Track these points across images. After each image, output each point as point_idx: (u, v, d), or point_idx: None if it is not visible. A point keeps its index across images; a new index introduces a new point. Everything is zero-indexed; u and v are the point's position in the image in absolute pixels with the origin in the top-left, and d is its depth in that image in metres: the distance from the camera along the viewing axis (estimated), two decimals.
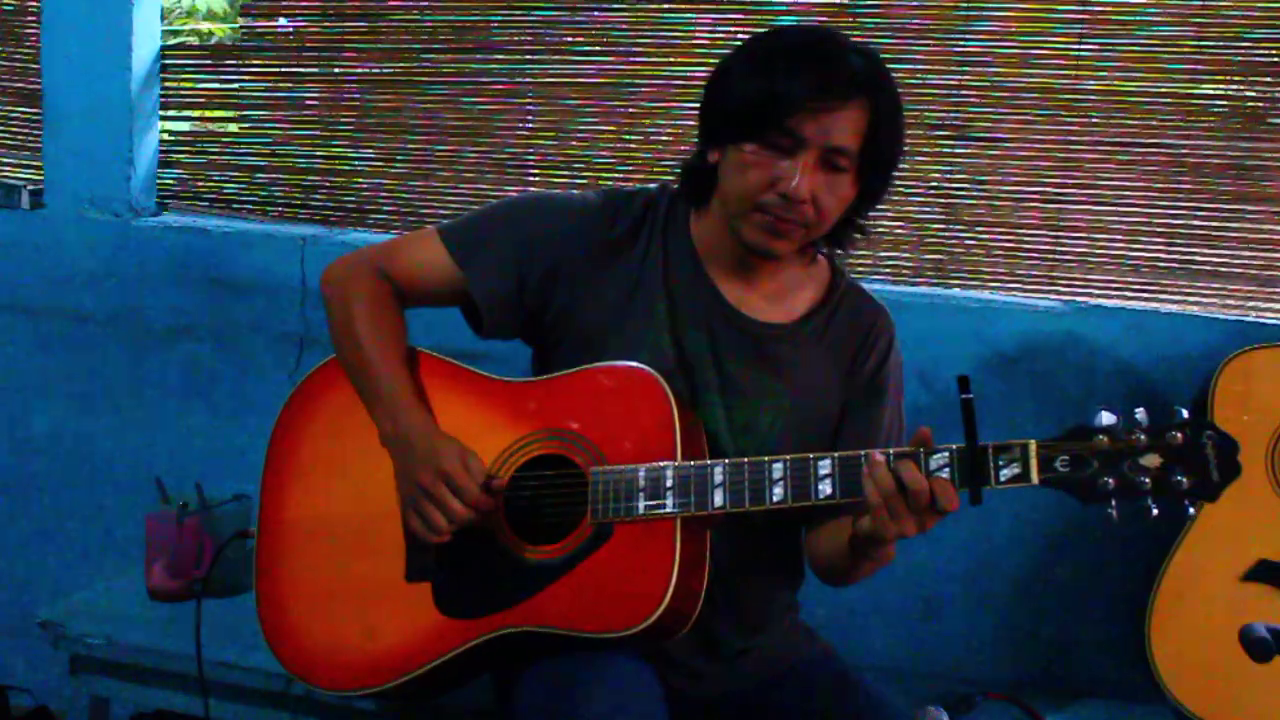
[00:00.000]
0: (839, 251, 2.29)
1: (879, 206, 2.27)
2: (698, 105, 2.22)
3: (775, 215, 2.10)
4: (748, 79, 2.09)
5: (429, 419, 2.21)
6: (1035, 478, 1.93)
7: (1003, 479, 1.94)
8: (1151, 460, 1.90)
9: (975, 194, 3.21)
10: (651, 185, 2.33)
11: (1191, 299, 3.11)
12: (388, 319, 2.29)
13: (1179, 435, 1.89)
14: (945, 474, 1.96)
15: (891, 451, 1.99)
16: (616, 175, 3.45)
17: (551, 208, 2.29)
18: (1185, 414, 1.90)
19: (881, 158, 2.12)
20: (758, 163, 2.08)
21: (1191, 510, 1.91)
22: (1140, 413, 1.92)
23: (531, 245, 2.25)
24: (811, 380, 2.25)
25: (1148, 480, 1.89)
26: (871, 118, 2.09)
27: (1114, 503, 1.91)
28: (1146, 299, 3.12)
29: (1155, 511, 1.90)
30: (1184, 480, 1.88)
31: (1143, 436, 1.90)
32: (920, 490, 1.93)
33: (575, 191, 2.39)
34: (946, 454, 1.97)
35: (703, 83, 2.22)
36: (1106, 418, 1.92)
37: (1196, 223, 3.10)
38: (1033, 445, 1.94)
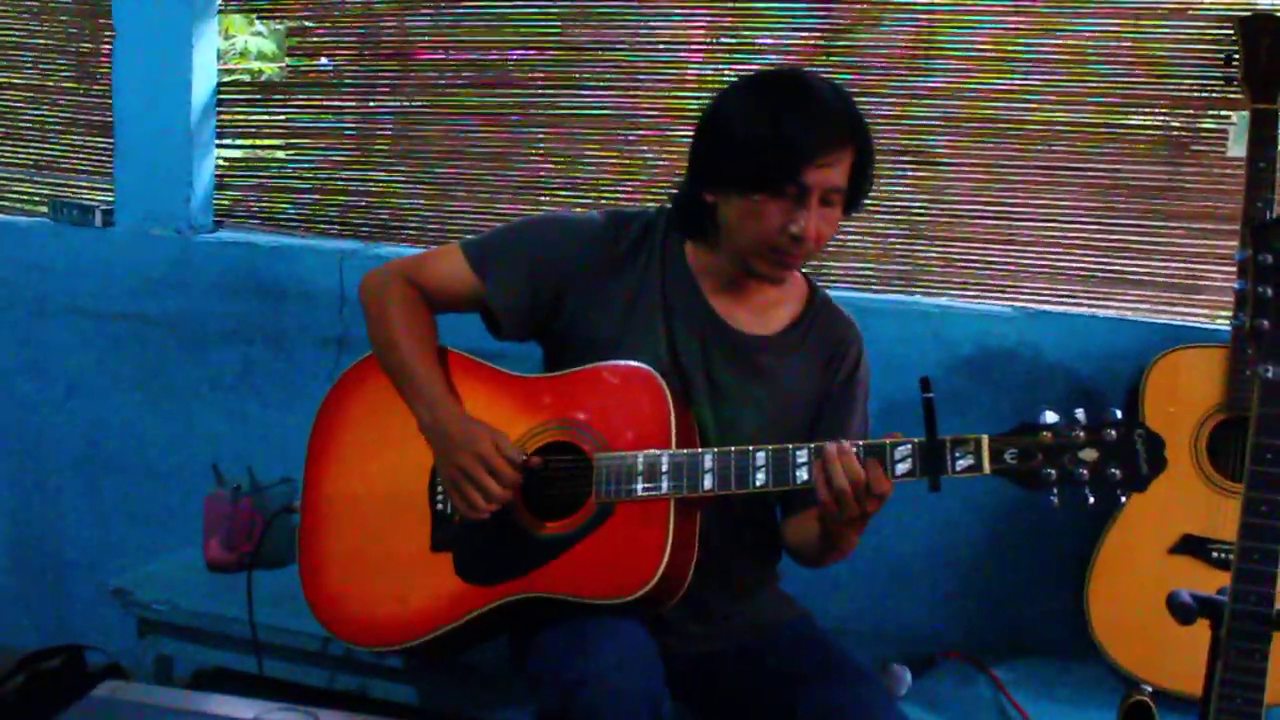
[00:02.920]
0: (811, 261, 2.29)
1: (850, 222, 2.27)
2: (691, 134, 2.20)
3: (784, 252, 2.10)
4: (752, 133, 2.05)
5: (462, 409, 2.21)
6: (987, 468, 1.93)
7: (959, 469, 1.94)
8: (1089, 454, 1.90)
9: (934, 212, 3.20)
10: (650, 208, 2.32)
11: (1125, 305, 3.10)
12: (419, 321, 2.29)
13: (1113, 432, 1.89)
14: (908, 464, 1.96)
15: (861, 444, 1.99)
16: (619, 195, 3.45)
17: (562, 227, 2.29)
18: (1119, 414, 1.91)
19: (863, 185, 2.13)
20: (767, 211, 2.07)
21: (1124, 499, 1.91)
22: (1080, 412, 1.92)
23: (544, 261, 2.25)
24: (790, 386, 2.25)
25: (1085, 472, 1.90)
26: (857, 156, 2.09)
27: (1055, 491, 1.91)
28: (1086, 305, 3.12)
29: (1092, 500, 1.90)
30: (1117, 473, 1.89)
31: (1081, 433, 1.91)
32: (857, 479, 1.95)
33: (582, 212, 2.39)
34: (909, 446, 1.97)
35: (695, 114, 2.20)
36: (1050, 416, 1.92)
37: (1128, 238, 3.10)
38: (985, 440, 1.94)
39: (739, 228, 2.11)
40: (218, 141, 3.73)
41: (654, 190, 3.38)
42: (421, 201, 3.61)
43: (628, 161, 3.44)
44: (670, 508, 2.07)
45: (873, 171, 2.15)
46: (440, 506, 2.23)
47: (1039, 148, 3.12)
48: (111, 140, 3.71)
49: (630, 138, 3.42)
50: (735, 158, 2.08)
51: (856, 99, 2.16)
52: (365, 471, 2.31)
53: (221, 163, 3.76)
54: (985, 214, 3.17)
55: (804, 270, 2.34)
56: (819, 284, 2.35)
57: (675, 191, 2.26)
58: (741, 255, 2.14)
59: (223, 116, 3.72)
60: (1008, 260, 3.17)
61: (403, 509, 2.25)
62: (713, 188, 2.14)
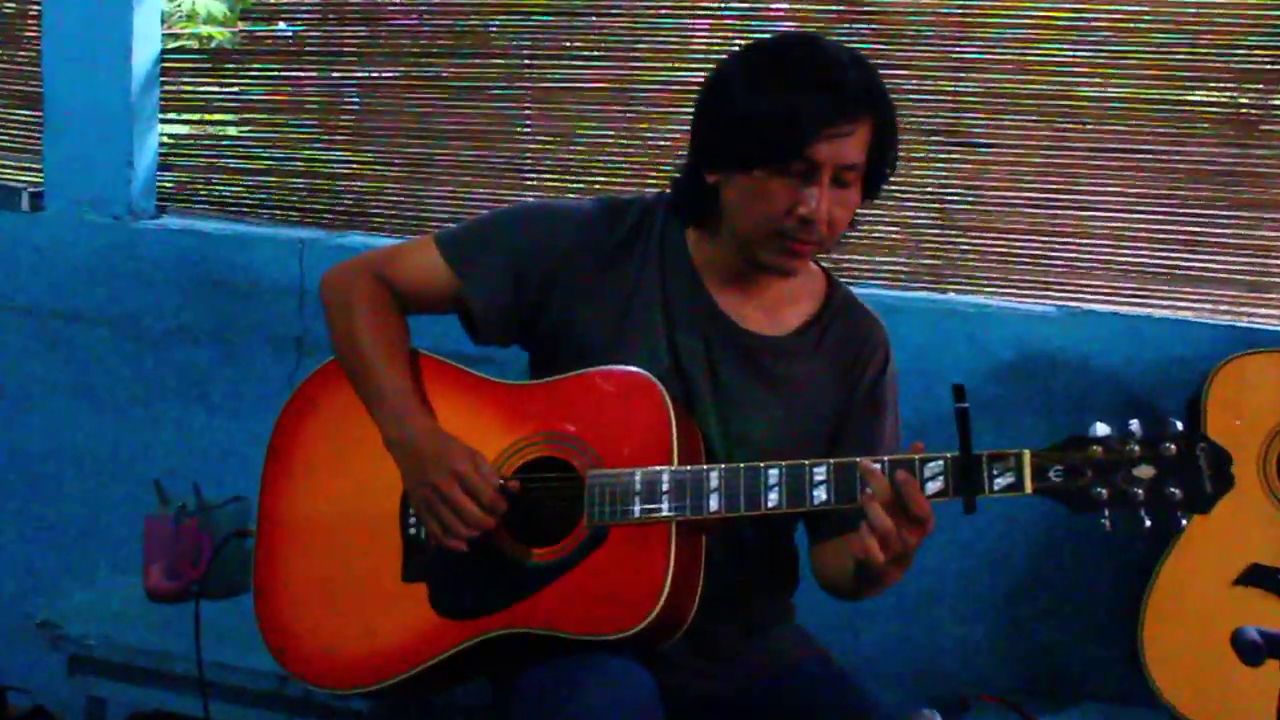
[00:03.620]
0: (831, 254, 2.30)
1: (875, 210, 2.28)
2: (694, 107, 2.21)
3: (792, 238, 2.10)
4: (754, 103, 2.06)
5: (434, 422, 2.21)
6: (1029, 487, 1.93)
7: (997, 488, 1.94)
8: (1145, 471, 1.90)
9: (970, 198, 3.21)
10: (647, 194, 2.33)
11: (1185, 304, 3.11)
12: (389, 322, 2.29)
13: (1173, 447, 1.89)
14: (939, 482, 1.96)
15: (886, 460, 1.99)
16: (615, 181, 3.45)
17: (549, 216, 2.29)
18: (1179, 426, 1.90)
19: (883, 164, 2.13)
20: (773, 190, 2.07)
21: (1184, 522, 1.91)
22: (1134, 424, 1.92)
23: (528, 254, 2.25)
24: (805, 393, 2.25)
25: (1141, 491, 1.90)
26: (876, 128, 2.09)
27: (1106, 513, 1.91)
28: (1141, 304, 3.12)
29: (1148, 524, 1.90)
30: (1177, 492, 1.89)
31: (1137, 448, 1.90)
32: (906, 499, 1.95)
33: (572, 199, 2.40)
34: (941, 462, 1.97)
35: (700, 86, 2.20)
36: (1101, 429, 1.92)
37: (1189, 228, 3.10)
38: (1027, 455, 1.94)
39: (741, 210, 2.12)
40: (161, 116, 3.73)
41: (654, 174, 3.38)
42: (392, 185, 3.61)
43: (625, 142, 3.44)
44: (672, 532, 2.07)
45: (896, 148, 2.14)
46: (413, 531, 2.23)
47: (1089, 127, 3.13)
48: (39, 114, 3.71)
49: (628, 115, 3.43)
50: (735, 130, 2.08)
51: (883, 71, 2.16)
52: (328, 491, 2.30)
53: (166, 140, 3.76)
54: (1027, 201, 3.18)
55: (822, 264, 2.34)
56: (839, 279, 2.35)
57: (677, 175, 2.26)
58: (745, 243, 2.15)
59: (167, 88, 3.73)
60: (1052, 253, 3.18)
61: (371, 533, 2.25)
62: (714, 167, 2.15)
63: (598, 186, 3.46)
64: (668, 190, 2.30)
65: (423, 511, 2.17)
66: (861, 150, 2.08)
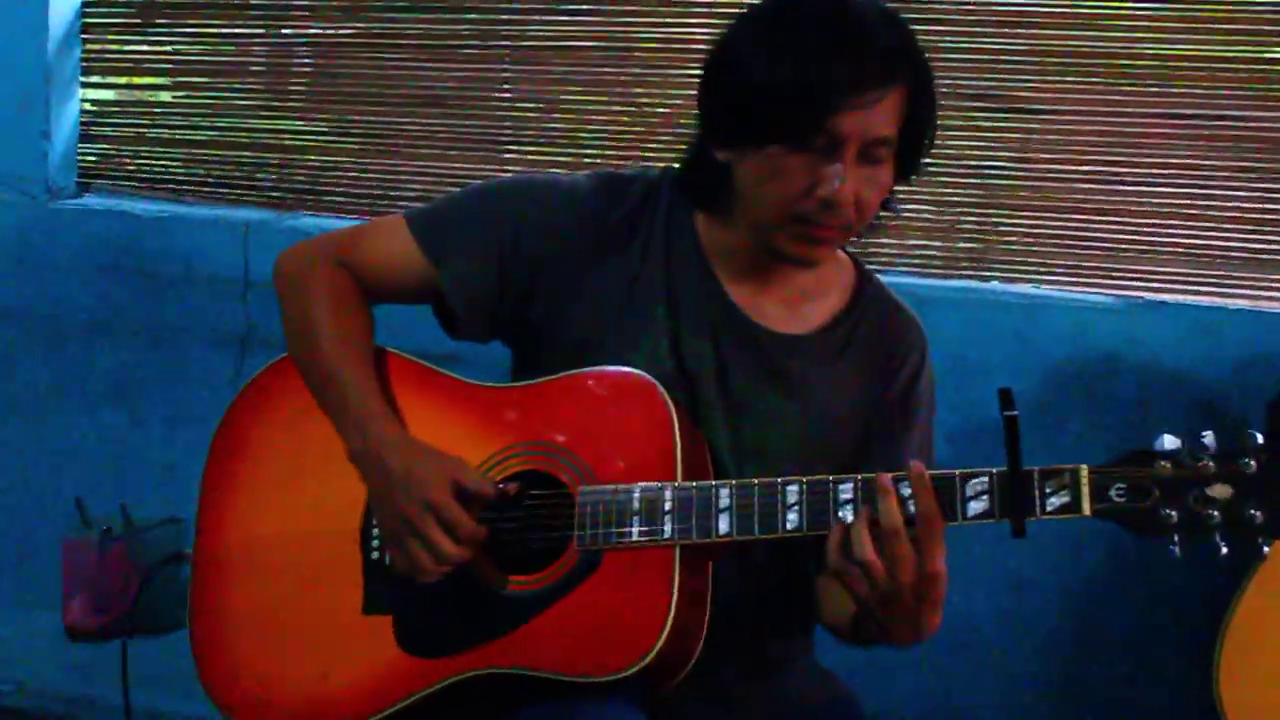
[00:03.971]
0: (862, 239, 2.28)
1: (906, 186, 2.26)
2: (698, 74, 2.21)
3: (815, 223, 2.09)
4: (767, 68, 2.05)
5: (404, 432, 2.20)
6: (1087, 508, 1.93)
7: (1050, 509, 1.94)
8: (1221, 491, 1.89)
9: (1016, 173, 3.21)
10: (651, 169, 2.32)
11: (1264, 293, 3.11)
12: (352, 315, 2.28)
13: (1253, 463, 1.89)
14: (984, 502, 1.96)
15: (926, 474, 1.98)
16: (607, 154, 3.46)
17: (537, 193, 2.28)
18: (1260, 439, 1.90)
19: (919, 135, 2.12)
20: (790, 168, 2.06)
21: (1266, 548, 1.91)
22: (1208, 436, 1.91)
23: (514, 236, 2.24)
24: (829, 401, 2.24)
25: (1216, 514, 1.89)
26: (910, 97, 2.08)
27: (1177, 538, 1.91)
28: (1215, 294, 3.13)
29: (1225, 550, 1.90)
30: (1258, 514, 1.88)
31: (1211, 464, 1.90)
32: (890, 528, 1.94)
33: (563, 174, 2.38)
34: (985, 479, 1.96)
35: (705, 51, 2.20)
36: (1169, 441, 1.92)
37: (1271, 205, 3.11)
38: (1084, 471, 1.93)
39: (756, 192, 2.11)
40: (82, 79, 3.73)
41: (653, 145, 3.39)
42: (350, 159, 3.61)
43: (619, 108, 3.45)
44: (675, 557, 2.07)
45: (935, 119, 2.14)
46: (376, 555, 2.23)
47: (1154, 90, 3.13)
48: None
49: (622, 78, 3.43)
50: (746, 101, 2.07)
51: (916, 27, 2.15)
52: (279, 509, 2.30)
53: (88, 107, 3.76)
54: (1083, 175, 3.18)
55: (851, 251, 2.34)
56: (870, 269, 2.35)
57: (684, 148, 2.26)
58: (761, 230, 2.14)
59: (89, 47, 3.73)
60: (1112, 235, 3.19)
61: (327, 558, 2.24)
62: (725, 143, 2.14)
63: (587, 160, 3.46)
64: (674, 165, 2.29)
65: (389, 541, 2.17)
66: (893, 121, 2.07)
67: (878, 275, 2.35)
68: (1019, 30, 3.19)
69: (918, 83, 2.08)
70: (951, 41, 3.19)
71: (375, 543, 2.24)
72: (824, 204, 2.05)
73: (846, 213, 2.07)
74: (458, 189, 2.39)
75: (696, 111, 2.19)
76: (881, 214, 2.19)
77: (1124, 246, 3.18)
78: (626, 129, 3.46)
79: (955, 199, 3.24)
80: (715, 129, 2.15)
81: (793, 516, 2.05)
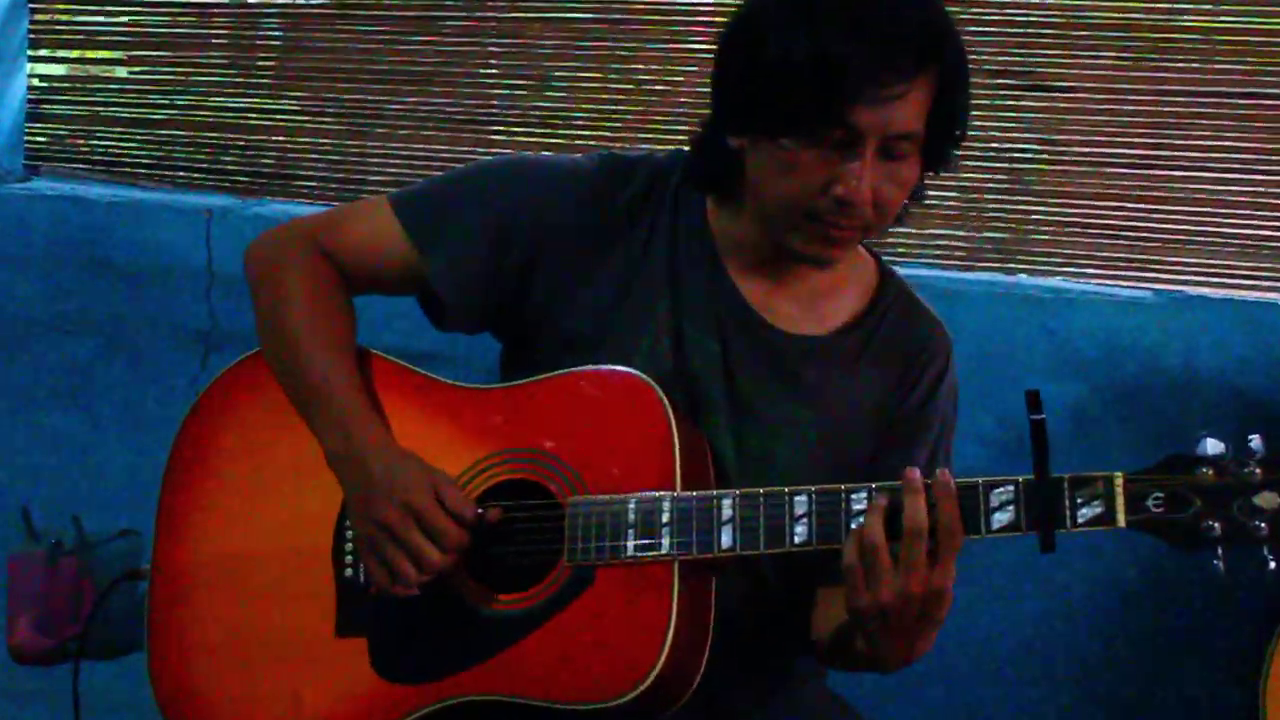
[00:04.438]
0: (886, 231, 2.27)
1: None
2: (704, 47, 2.21)
3: (830, 222, 2.08)
4: (782, 52, 2.03)
5: (388, 436, 2.20)
6: (1122, 519, 1.93)
7: (1081, 520, 1.94)
8: (1269, 500, 1.90)
9: (1046, 156, 3.22)
10: (658, 152, 2.32)
11: None
12: (332, 306, 2.28)
13: None
14: (1010, 514, 1.96)
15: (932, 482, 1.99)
16: (602, 135, 3.46)
17: (534, 175, 2.28)
18: None
19: (949, 127, 2.10)
20: (803, 163, 2.05)
21: None
22: (1255, 440, 1.91)
23: (508, 222, 2.24)
24: (844, 407, 2.24)
25: (1264, 525, 1.89)
26: (939, 86, 2.07)
27: (1220, 552, 1.91)
28: (1261, 287, 3.13)
29: (1273, 565, 1.90)
30: None
31: (1258, 470, 1.90)
32: (917, 531, 1.94)
33: (563, 156, 2.38)
34: (1011, 488, 1.96)
35: (713, 18, 2.20)
36: (1212, 446, 1.92)
37: None
38: (1119, 479, 1.93)
39: (766, 185, 2.10)
40: (30, 53, 3.73)
41: (652, 125, 3.39)
42: (323, 140, 3.61)
43: (616, 85, 3.45)
44: (674, 574, 2.07)
45: (966, 109, 2.12)
46: (350, 572, 2.24)
47: (1195, 67, 3.13)
48: None
49: (619, 51, 3.43)
50: (759, 86, 2.07)
51: (946, 3, 2.15)
52: (245, 521, 2.29)
53: (36, 83, 3.76)
54: (1118, 159, 3.19)
55: (872, 246, 2.33)
56: (894, 267, 2.34)
57: (692, 128, 2.25)
58: (772, 225, 2.14)
59: (38, 18, 3.73)
60: (1150, 224, 3.19)
61: (297, 575, 2.24)
62: (738, 128, 2.14)
63: (581, 142, 3.46)
64: (684, 148, 2.29)
65: (366, 551, 2.17)
66: (919, 114, 2.06)
67: (897, 269, 2.35)
68: (1051, 4, 3.19)
69: (949, 70, 2.05)
70: (975, 13, 3.19)
71: (349, 558, 2.24)
72: (839, 203, 2.03)
73: (864, 212, 2.05)
74: (441, 173, 2.39)
75: (711, 91, 2.19)
76: (910, 209, 2.19)
77: (1163, 236, 3.18)
78: (624, 107, 3.46)
79: (979, 184, 3.24)
80: (728, 112, 2.14)
81: (801, 529, 2.05)
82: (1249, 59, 3.11)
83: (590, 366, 2.17)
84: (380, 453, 2.17)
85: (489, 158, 2.63)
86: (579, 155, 2.29)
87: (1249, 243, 3.15)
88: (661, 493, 2.10)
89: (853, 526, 2.02)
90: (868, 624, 1.98)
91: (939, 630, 2.00)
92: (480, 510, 2.14)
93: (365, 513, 2.15)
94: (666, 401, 2.12)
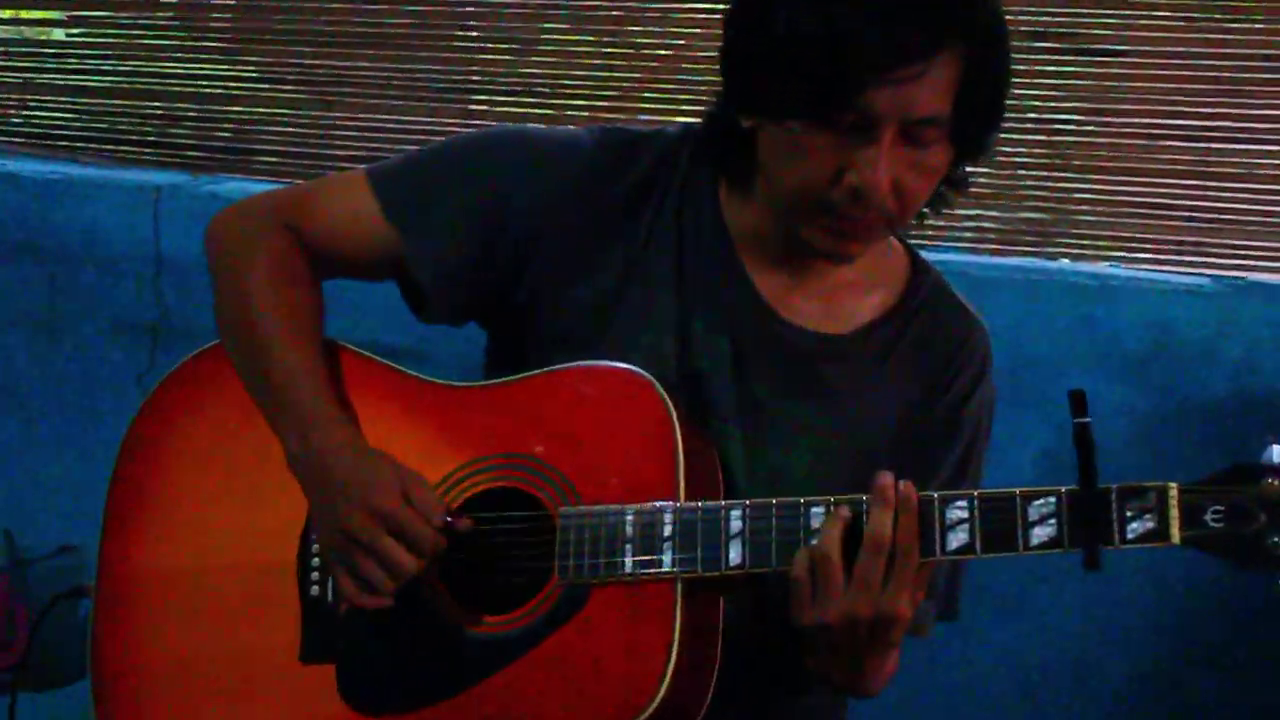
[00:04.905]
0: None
1: None
2: (711, 7, 2.21)
3: (843, 214, 2.08)
4: (789, 21, 2.02)
5: (355, 435, 2.20)
6: (1176, 535, 1.92)
7: (1131, 536, 1.93)
8: None
9: (1091, 129, 3.22)
10: (667, 128, 2.31)
11: None
12: (299, 289, 2.27)
13: None
14: (1051, 528, 1.96)
15: (975, 493, 1.99)
16: (596, 106, 3.46)
17: (528, 149, 2.27)
18: None
19: (982, 108, 2.09)
20: (813, 149, 2.04)
21: None
22: None
23: (498, 201, 2.23)
24: (868, 413, 2.24)
25: None
26: (969, 62, 2.06)
27: None
28: None
29: None
30: None
31: None
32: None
33: (560, 129, 2.38)
34: (1052, 500, 1.96)
35: None
36: (1278, 453, 1.93)
37: None
38: (1173, 490, 1.93)
39: (775, 171, 2.09)
40: None
41: (651, 97, 3.39)
42: (285, 111, 3.61)
43: (610, 50, 3.45)
44: (677, 594, 2.08)
45: (1004, 88, 2.11)
46: (317, 590, 2.24)
47: (1259, 28, 3.14)
48: None
49: (614, 12, 3.43)
50: (768, 65, 2.06)
51: None
52: (200, 534, 2.29)
53: None
54: (1170, 132, 3.19)
55: (906, 238, 2.33)
56: (927, 261, 2.33)
57: (702, 101, 2.25)
58: (782, 215, 2.14)
59: None
60: (1205, 204, 3.19)
61: (258, 594, 2.24)
62: (748, 108, 2.14)
63: (571, 114, 3.46)
64: (695, 123, 2.28)
65: (333, 562, 2.17)
66: (944, 95, 2.04)
67: (927, 257, 2.35)
68: None
69: (980, 44, 2.02)
70: None
71: (314, 575, 2.25)
72: (853, 193, 2.02)
73: (883, 203, 2.03)
74: (417, 148, 2.39)
75: (720, 66, 2.18)
76: (948, 197, 2.17)
77: (1222, 216, 3.19)
78: (620, 74, 3.46)
79: (1017, 160, 3.25)
80: (737, 89, 2.13)
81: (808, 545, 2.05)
82: None
83: (585, 362, 2.17)
84: (344, 453, 2.16)
85: (477, 130, 2.62)
86: (577, 128, 2.28)
87: None
88: (663, 503, 2.10)
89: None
90: (811, 641, 2.00)
91: (896, 654, 2.03)
92: (450, 516, 2.14)
93: (329, 519, 2.15)
94: (669, 401, 2.12)
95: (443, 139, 2.40)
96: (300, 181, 3.28)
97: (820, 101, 1.99)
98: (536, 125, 3.08)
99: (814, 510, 2.05)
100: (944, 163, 2.08)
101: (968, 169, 2.18)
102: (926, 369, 2.25)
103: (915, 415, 2.25)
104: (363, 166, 2.32)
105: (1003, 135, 3.16)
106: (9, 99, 3.79)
